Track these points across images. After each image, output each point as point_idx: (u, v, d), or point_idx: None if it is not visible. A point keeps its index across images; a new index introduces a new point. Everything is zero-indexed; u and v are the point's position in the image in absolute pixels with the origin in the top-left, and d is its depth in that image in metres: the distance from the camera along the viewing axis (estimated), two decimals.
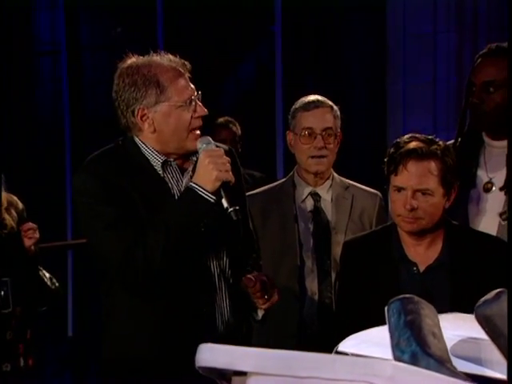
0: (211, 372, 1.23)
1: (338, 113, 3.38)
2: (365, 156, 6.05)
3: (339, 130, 3.37)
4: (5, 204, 3.26)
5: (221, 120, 5.51)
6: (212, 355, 1.18)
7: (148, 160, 2.57)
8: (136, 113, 2.53)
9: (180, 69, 2.56)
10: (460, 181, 2.97)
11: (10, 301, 3.19)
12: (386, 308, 1.29)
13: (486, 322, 1.21)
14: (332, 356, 1.06)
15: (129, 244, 2.43)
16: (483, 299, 1.25)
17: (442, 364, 1.09)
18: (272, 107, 6.34)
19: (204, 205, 2.43)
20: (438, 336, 1.18)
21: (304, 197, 3.38)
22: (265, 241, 3.35)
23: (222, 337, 2.57)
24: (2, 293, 3.19)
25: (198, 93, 2.58)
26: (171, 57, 2.59)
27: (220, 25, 6.68)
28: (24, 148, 7.33)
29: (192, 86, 2.58)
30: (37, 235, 3.40)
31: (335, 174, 3.44)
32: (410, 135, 2.69)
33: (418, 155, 2.58)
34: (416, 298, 1.27)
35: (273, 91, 6.33)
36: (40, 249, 3.72)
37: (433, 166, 2.59)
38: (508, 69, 2.63)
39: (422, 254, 2.70)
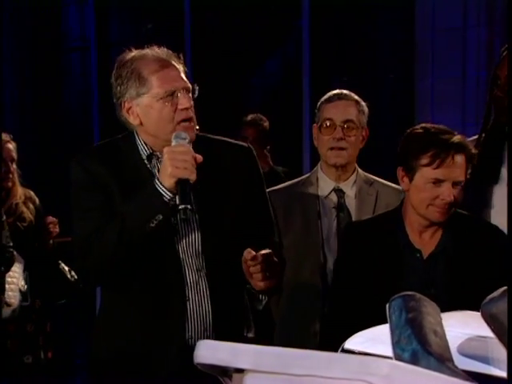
0: (213, 369, 1.21)
1: (365, 108, 3.34)
2: (392, 152, 5.99)
3: (364, 126, 3.33)
4: (22, 198, 3.29)
5: (248, 117, 5.42)
6: (210, 352, 1.17)
7: (140, 153, 2.58)
8: (122, 106, 2.55)
9: (169, 60, 2.53)
10: (483, 177, 2.95)
11: (28, 294, 3.21)
12: (387, 305, 1.26)
13: (492, 320, 1.18)
14: (328, 354, 1.04)
15: (90, 233, 2.45)
16: (490, 297, 1.22)
17: (442, 363, 1.07)
18: (299, 103, 6.31)
19: (158, 200, 2.41)
20: (440, 334, 1.15)
21: (327, 193, 3.35)
22: (287, 237, 3.32)
23: (199, 335, 2.54)
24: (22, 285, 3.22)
25: (192, 85, 2.55)
26: (160, 49, 2.55)
27: (247, 20, 6.67)
28: (53, 143, 7.37)
29: (183, 77, 2.54)
30: (57, 229, 3.43)
31: (360, 170, 3.41)
32: (425, 125, 2.70)
33: (461, 148, 2.61)
34: (418, 296, 1.24)
35: (300, 86, 6.30)
36: (67, 242, 3.73)
37: (464, 158, 2.63)
38: (508, 69, 2.59)
39: (427, 241, 2.73)
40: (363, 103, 3.35)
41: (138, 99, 2.51)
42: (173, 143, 2.45)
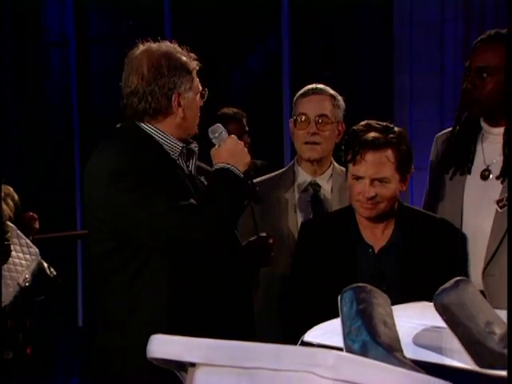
0: (167, 363, 1.22)
1: (341, 103, 3.34)
2: None
3: (340, 120, 3.33)
4: (2, 195, 3.27)
5: (229, 112, 5.11)
6: (161, 346, 1.17)
7: (161, 145, 2.59)
8: (173, 98, 2.56)
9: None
10: (456, 168, 2.98)
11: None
12: (339, 297, 1.28)
13: (443, 311, 1.19)
14: (277, 346, 1.05)
15: (189, 213, 2.48)
16: (442, 288, 1.24)
17: (390, 353, 1.08)
18: (280, 98, 6.32)
19: (241, 184, 2.57)
20: (390, 325, 1.16)
21: (304, 186, 3.36)
22: (263, 229, 3.32)
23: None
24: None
25: None
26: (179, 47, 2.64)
27: (227, 16, 6.66)
28: (33, 138, 7.35)
29: None
30: (37, 225, 3.42)
31: (336, 164, 3.41)
32: (365, 123, 2.75)
33: (375, 146, 2.64)
34: (369, 287, 1.25)
35: (281, 82, 6.30)
36: (50, 238, 3.72)
37: (389, 154, 2.66)
38: (506, 67, 2.60)
39: (378, 236, 2.77)
40: (339, 97, 3.35)
41: (188, 93, 2.58)
42: (222, 134, 2.65)
